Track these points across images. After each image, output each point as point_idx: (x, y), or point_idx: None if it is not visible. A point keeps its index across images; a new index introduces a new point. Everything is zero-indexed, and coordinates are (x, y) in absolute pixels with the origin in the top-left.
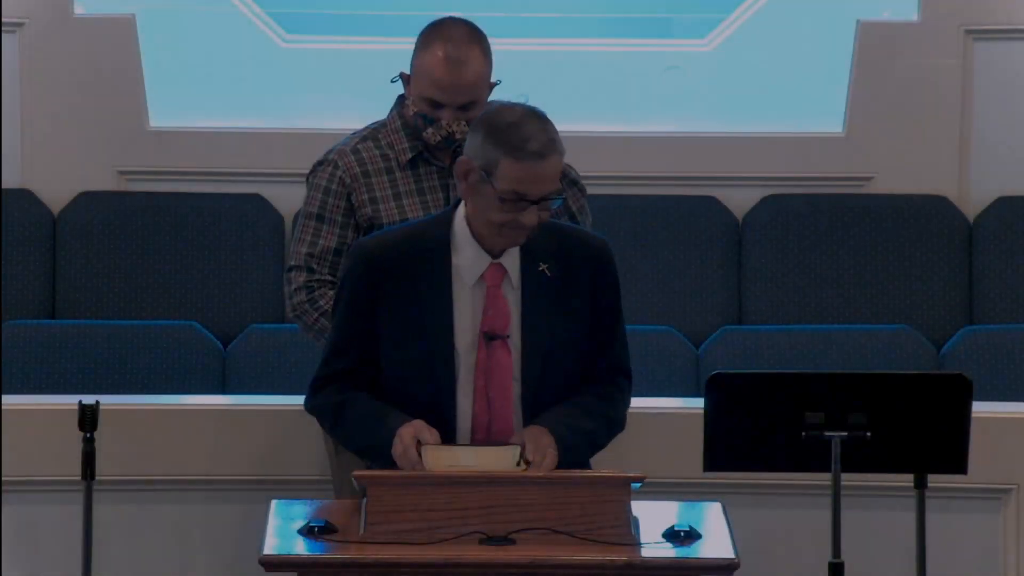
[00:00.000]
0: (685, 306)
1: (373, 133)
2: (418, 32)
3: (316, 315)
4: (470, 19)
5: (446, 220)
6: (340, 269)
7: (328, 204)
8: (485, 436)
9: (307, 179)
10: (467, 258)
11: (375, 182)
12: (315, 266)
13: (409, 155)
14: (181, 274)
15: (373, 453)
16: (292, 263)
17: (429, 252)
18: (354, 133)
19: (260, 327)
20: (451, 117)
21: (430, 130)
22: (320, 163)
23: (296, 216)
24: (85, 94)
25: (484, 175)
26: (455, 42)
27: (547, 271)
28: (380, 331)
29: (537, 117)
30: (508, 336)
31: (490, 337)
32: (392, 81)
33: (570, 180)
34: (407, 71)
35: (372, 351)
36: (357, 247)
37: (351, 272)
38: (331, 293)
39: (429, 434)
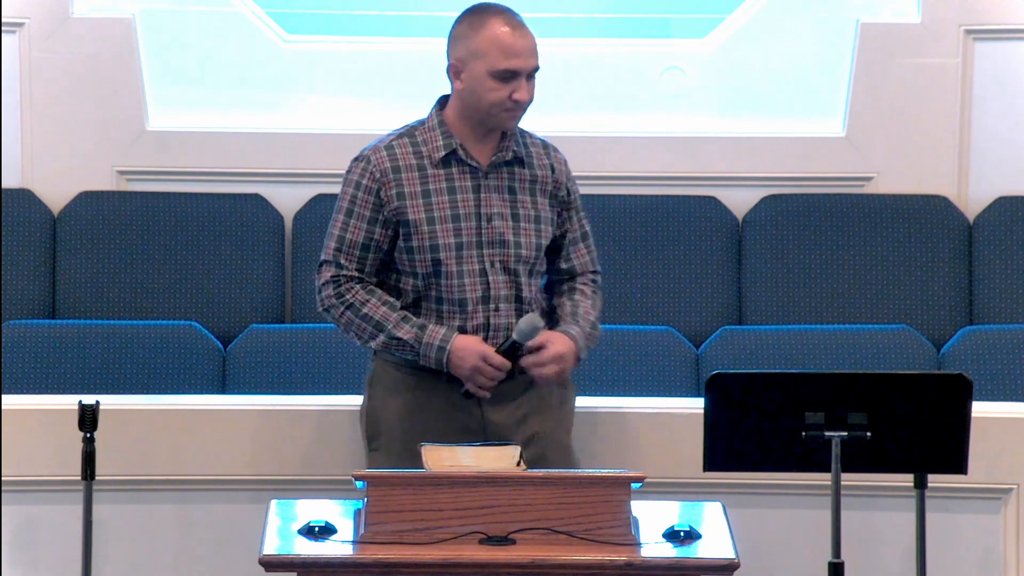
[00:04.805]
0: (685, 306)
1: (411, 131)
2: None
3: (343, 309)
4: None
5: None
6: None
7: (358, 199)
8: None
9: (344, 175)
10: None
11: (404, 178)
12: (343, 261)
13: (442, 152)
14: (181, 274)
15: None
16: (321, 258)
17: None
18: (393, 131)
19: (260, 327)
20: (528, 88)
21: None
22: (356, 159)
23: None
24: (85, 94)
25: None
26: (508, 13)
27: None
28: None
29: None
30: None
31: None
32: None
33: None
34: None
35: None
36: None
37: None
38: (358, 287)
39: None
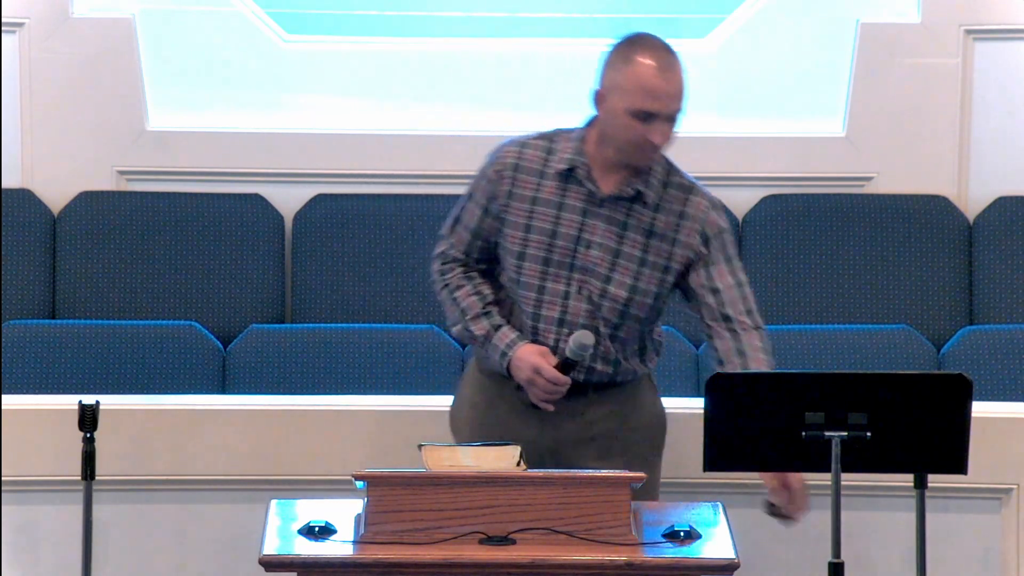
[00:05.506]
0: (685, 306)
1: (554, 135)
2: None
3: (441, 286)
4: (469, 19)
5: None
6: None
7: (479, 186)
8: None
9: None
10: None
11: (521, 179)
12: (453, 239)
13: (562, 166)
14: (181, 274)
15: None
16: (440, 231)
17: None
18: (543, 131)
19: (260, 327)
20: (663, 131)
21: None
22: (497, 145)
23: None
24: (85, 94)
25: None
26: (660, 51)
27: None
28: None
29: None
30: None
31: None
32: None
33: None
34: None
35: None
36: None
37: None
38: (459, 270)
39: None
